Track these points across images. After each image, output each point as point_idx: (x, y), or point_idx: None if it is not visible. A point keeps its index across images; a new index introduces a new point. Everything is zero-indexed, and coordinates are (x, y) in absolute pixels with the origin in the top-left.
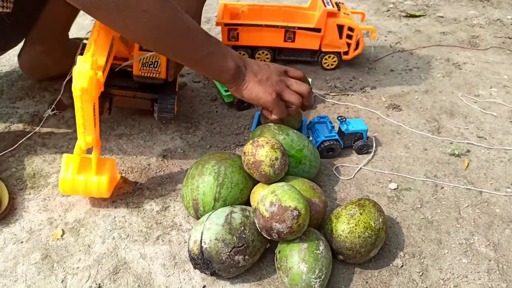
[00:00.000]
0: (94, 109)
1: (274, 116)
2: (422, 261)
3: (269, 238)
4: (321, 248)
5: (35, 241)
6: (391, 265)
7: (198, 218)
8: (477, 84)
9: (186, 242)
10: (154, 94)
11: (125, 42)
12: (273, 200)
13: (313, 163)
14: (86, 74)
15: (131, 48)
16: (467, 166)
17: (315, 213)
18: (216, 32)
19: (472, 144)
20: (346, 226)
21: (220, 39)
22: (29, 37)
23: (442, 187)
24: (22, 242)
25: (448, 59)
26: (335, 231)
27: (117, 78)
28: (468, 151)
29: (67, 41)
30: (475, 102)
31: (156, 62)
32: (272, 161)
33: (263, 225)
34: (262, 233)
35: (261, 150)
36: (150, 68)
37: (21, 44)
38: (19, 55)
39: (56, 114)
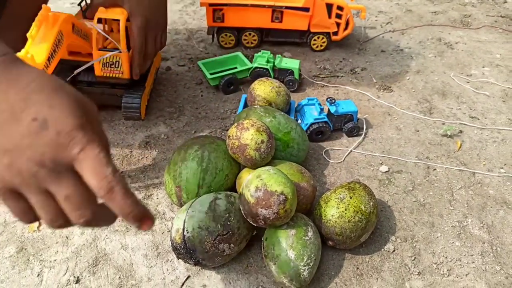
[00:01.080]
0: None
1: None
2: (414, 245)
3: (255, 224)
4: (309, 234)
5: (9, 234)
6: (382, 250)
7: (181, 205)
8: (469, 64)
9: (169, 231)
10: (123, 90)
11: (84, 37)
12: (259, 184)
13: (301, 146)
14: None
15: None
16: (459, 147)
17: (303, 198)
18: (202, 14)
19: (464, 124)
20: (336, 210)
21: (205, 21)
22: None
23: (435, 169)
24: None
25: (439, 38)
26: (324, 216)
27: (83, 73)
28: (461, 131)
29: None
30: (468, 82)
31: (117, 62)
32: (258, 144)
33: (248, 211)
34: (248, 219)
35: (246, 133)
36: (112, 68)
37: None
38: None
39: None
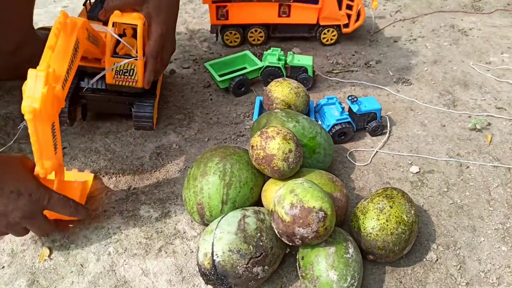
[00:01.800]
0: (54, 129)
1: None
2: (457, 252)
3: (290, 244)
4: (350, 251)
5: (18, 265)
6: (424, 259)
7: (204, 224)
8: (487, 51)
9: (192, 252)
10: (132, 98)
11: (94, 42)
12: (294, 201)
13: (327, 151)
14: (38, 92)
15: (103, 48)
16: (490, 141)
17: (337, 209)
18: (202, 12)
19: (492, 116)
20: (376, 222)
21: (209, 19)
22: None
23: (467, 167)
24: (3, 267)
25: (452, 25)
26: (364, 229)
27: (87, 79)
28: (489, 124)
29: (34, 34)
30: (488, 70)
31: (132, 70)
32: (286, 154)
33: (283, 230)
34: (282, 239)
35: (272, 142)
36: (126, 77)
37: None
38: None
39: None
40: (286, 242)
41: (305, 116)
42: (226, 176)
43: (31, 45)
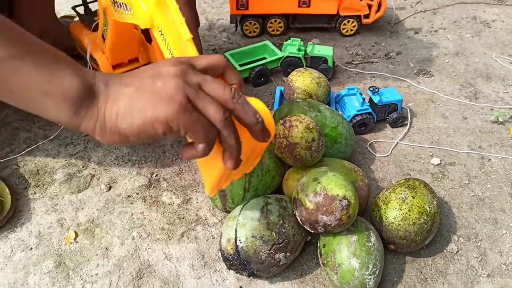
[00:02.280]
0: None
1: (199, 149)
2: (479, 244)
3: (313, 231)
4: (372, 239)
5: (45, 247)
6: (445, 251)
7: (226, 211)
8: (510, 43)
9: (214, 238)
10: None
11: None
12: (317, 189)
13: (348, 141)
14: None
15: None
16: None
17: (359, 198)
18: (220, 1)
19: None
20: (398, 212)
21: (228, 9)
22: None
23: (489, 159)
24: (31, 248)
25: (475, 17)
26: (385, 219)
27: None
28: None
29: (57, 24)
30: (511, 63)
31: None
32: (309, 142)
33: (306, 217)
34: (305, 226)
35: (295, 131)
36: None
37: None
38: None
39: None
40: (308, 229)
41: (327, 106)
42: None
43: (54, 32)
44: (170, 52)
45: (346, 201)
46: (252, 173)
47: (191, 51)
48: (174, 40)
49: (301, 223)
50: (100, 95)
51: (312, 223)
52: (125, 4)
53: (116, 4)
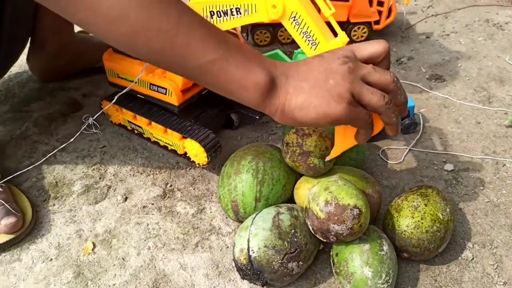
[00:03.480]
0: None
1: (364, 133)
2: (494, 251)
3: (324, 241)
4: (385, 248)
5: (65, 258)
6: (460, 258)
7: (239, 220)
8: None
9: (228, 247)
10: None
11: None
12: (328, 198)
13: (360, 148)
14: None
15: None
16: None
17: (369, 205)
18: None
19: None
20: (411, 220)
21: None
22: (35, 42)
23: (504, 164)
24: (51, 259)
25: (487, 20)
26: (398, 227)
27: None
28: None
29: (76, 39)
30: None
31: None
32: (322, 151)
33: (318, 227)
34: (317, 235)
35: (308, 140)
36: None
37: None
38: (28, 58)
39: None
40: (320, 238)
41: None
42: (259, 174)
43: (73, 47)
44: (308, 35)
45: (357, 210)
46: (263, 183)
47: (334, 25)
48: (314, 20)
49: (313, 232)
50: (282, 87)
51: (324, 232)
52: (236, 9)
53: (217, 14)
